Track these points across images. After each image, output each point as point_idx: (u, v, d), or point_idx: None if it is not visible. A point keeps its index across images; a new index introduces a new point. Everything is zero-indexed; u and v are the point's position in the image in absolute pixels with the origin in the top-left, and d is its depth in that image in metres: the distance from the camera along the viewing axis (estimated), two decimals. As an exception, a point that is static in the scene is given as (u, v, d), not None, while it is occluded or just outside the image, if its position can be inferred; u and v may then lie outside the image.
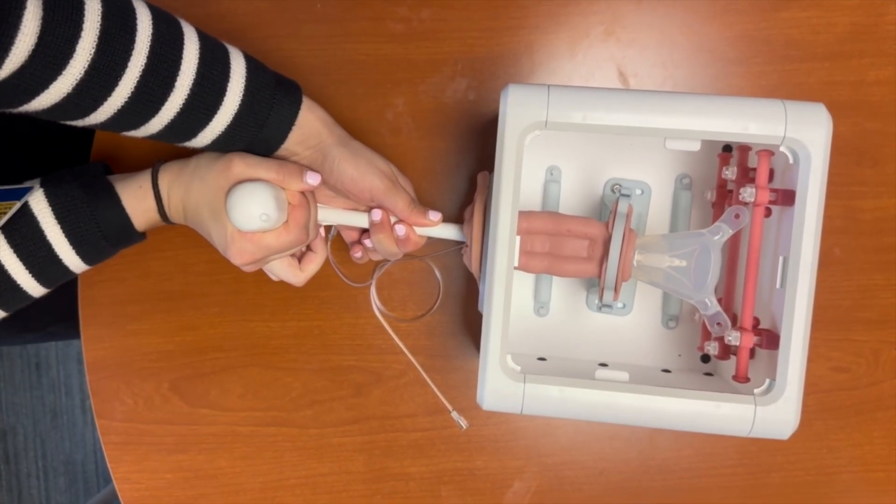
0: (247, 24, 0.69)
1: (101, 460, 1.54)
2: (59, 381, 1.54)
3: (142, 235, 0.61)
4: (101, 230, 0.57)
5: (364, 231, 0.65)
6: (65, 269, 0.58)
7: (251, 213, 0.54)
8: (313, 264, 0.64)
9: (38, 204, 0.56)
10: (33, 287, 0.58)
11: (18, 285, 0.57)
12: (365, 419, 0.71)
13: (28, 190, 0.66)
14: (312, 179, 0.57)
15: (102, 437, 0.71)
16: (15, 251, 0.55)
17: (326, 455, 0.71)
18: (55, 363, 1.57)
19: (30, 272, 0.56)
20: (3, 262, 0.55)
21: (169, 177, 0.58)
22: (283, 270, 0.63)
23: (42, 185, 0.56)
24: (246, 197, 0.54)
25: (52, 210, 0.56)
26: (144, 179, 0.58)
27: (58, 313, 0.87)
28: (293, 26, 0.69)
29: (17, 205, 0.63)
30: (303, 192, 0.59)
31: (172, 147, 0.60)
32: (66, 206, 0.56)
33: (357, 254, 0.66)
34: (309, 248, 0.65)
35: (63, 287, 0.83)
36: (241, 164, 0.55)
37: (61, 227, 0.56)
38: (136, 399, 0.71)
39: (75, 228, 0.56)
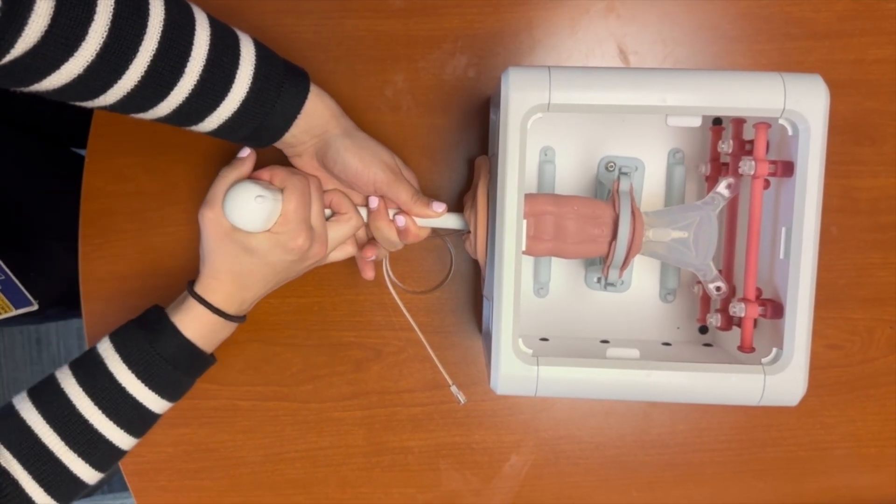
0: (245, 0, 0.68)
1: (103, 435, 1.55)
2: (59, 356, 1.55)
3: (202, 352, 0.60)
4: (155, 349, 0.57)
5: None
6: (134, 401, 0.57)
7: (248, 205, 0.54)
8: (345, 200, 0.61)
9: (105, 348, 0.57)
10: (118, 437, 0.58)
11: (106, 438, 0.57)
12: (364, 394, 0.72)
13: (28, 302, 0.68)
14: (243, 153, 0.58)
15: (105, 411, 0.72)
16: (93, 399, 0.56)
17: (326, 429, 0.72)
18: (55, 339, 1.58)
19: (107, 416, 0.56)
20: (86, 416, 0.56)
21: (199, 281, 0.59)
22: (337, 229, 0.61)
23: (109, 334, 0.58)
24: (233, 203, 0.55)
25: (113, 344, 0.57)
26: (184, 295, 0.59)
27: (56, 297, 0.87)
28: (292, 1, 0.69)
29: (13, 312, 0.66)
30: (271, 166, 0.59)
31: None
32: (123, 336, 0.57)
33: (370, 255, 0.64)
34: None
35: (60, 272, 0.84)
36: (206, 208, 0.56)
37: (120, 356, 0.57)
38: (138, 373, 0.71)
39: (130, 353, 0.57)
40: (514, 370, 0.54)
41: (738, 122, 0.60)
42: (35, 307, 0.72)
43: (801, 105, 0.52)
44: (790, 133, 0.54)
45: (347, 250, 0.64)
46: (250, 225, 0.55)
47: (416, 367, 0.71)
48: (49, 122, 0.93)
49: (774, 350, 0.55)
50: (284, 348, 0.72)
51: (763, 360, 0.55)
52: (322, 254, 0.59)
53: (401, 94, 0.69)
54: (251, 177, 0.59)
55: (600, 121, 0.65)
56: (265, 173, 0.58)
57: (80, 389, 0.56)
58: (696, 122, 0.56)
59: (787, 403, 0.55)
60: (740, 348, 0.58)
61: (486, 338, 0.59)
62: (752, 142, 0.57)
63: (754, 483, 0.72)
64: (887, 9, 0.68)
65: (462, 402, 0.70)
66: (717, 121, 0.63)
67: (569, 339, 0.66)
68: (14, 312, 0.71)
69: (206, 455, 0.72)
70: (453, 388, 0.69)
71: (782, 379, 0.54)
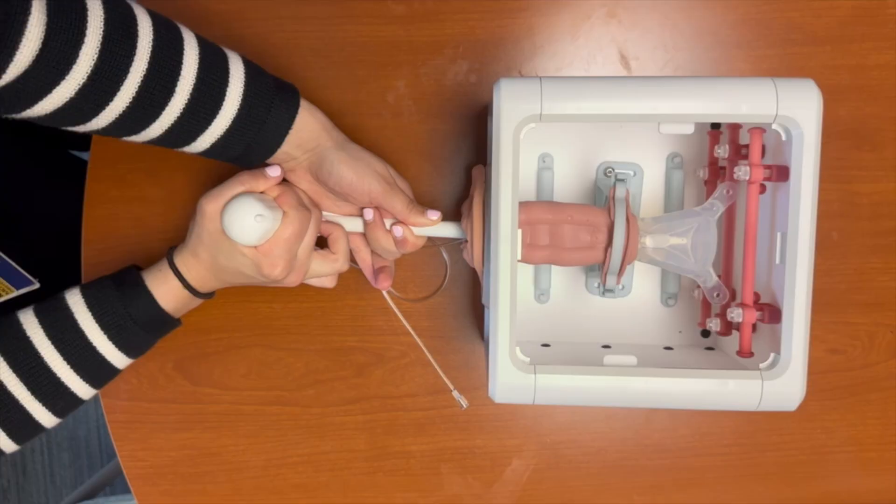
0: (247, 6, 0.68)
1: (105, 436, 1.56)
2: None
3: (171, 317, 0.61)
4: (129, 313, 0.58)
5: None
6: (102, 360, 0.59)
7: (245, 220, 0.55)
8: (341, 242, 0.63)
9: (75, 301, 0.58)
10: (83, 389, 0.59)
11: (71, 390, 0.58)
12: (366, 398, 0.72)
13: (28, 281, 0.68)
14: (273, 172, 0.58)
15: (108, 416, 0.72)
16: (61, 353, 0.57)
17: (329, 433, 0.72)
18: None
19: (74, 370, 0.58)
20: (53, 368, 0.57)
21: (180, 254, 0.60)
22: (320, 264, 0.62)
23: (80, 287, 0.59)
24: (232, 212, 0.55)
25: (85, 301, 0.58)
26: (163, 263, 0.60)
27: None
28: (294, 7, 0.69)
29: (14, 293, 0.67)
30: (284, 182, 0.60)
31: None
32: (97, 295, 0.59)
33: (385, 286, 0.65)
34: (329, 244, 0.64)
35: (57, 273, 0.84)
36: (209, 201, 0.56)
37: (92, 315, 0.58)
38: (141, 378, 0.72)
39: (104, 314, 0.58)
40: (511, 379, 0.54)
41: (735, 127, 0.60)
42: (36, 286, 0.72)
43: (793, 110, 0.52)
44: (783, 138, 0.54)
45: (325, 283, 0.64)
46: (241, 238, 0.56)
47: (418, 372, 0.72)
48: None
49: (772, 355, 0.55)
50: (287, 353, 0.72)
51: (761, 366, 0.55)
52: (296, 283, 0.60)
53: (402, 99, 0.70)
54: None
55: (598, 127, 0.65)
56: (276, 189, 0.58)
57: (49, 342, 0.57)
58: (689, 129, 0.56)
59: (785, 408, 0.55)
60: (739, 353, 0.58)
61: (488, 345, 0.59)
62: (748, 146, 0.57)
63: (755, 487, 0.72)
64: (888, 14, 0.68)
65: (464, 406, 0.70)
66: (715, 125, 0.63)
67: (570, 344, 0.66)
68: (16, 293, 0.71)
69: (208, 459, 0.72)
70: (455, 393, 0.70)
71: (780, 384, 0.54)
